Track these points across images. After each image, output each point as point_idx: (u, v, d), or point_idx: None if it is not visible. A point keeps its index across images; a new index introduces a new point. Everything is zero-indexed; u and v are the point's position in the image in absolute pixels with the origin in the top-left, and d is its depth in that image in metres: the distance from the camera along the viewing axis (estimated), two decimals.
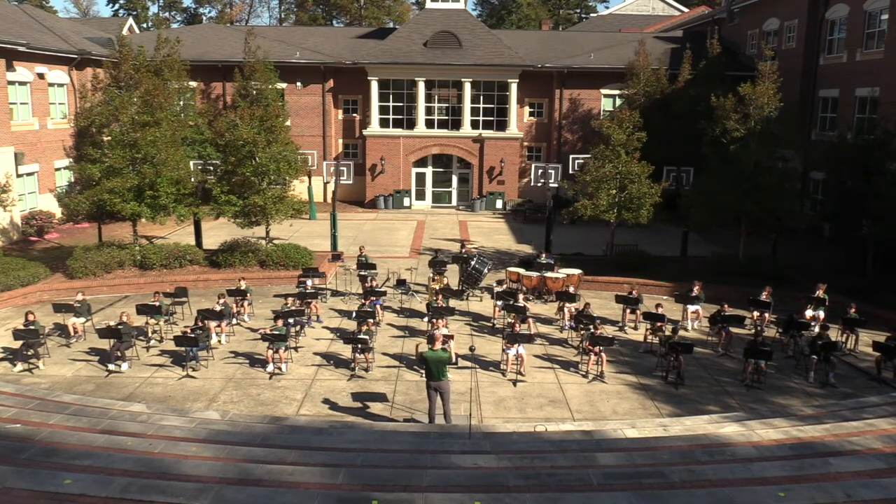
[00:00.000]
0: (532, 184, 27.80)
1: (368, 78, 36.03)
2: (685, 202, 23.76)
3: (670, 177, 25.17)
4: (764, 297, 18.54)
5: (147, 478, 7.15)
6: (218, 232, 27.94)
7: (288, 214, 23.39)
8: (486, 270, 21.15)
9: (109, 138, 22.73)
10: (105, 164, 21.92)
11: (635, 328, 18.97)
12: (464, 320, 19.38)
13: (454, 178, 38.11)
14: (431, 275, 20.60)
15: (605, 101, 37.81)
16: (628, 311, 19.05)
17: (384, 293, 19.44)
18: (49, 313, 18.38)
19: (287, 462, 8.48)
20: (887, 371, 15.43)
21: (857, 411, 12.88)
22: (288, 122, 31.13)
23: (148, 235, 27.52)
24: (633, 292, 19.09)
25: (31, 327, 15.74)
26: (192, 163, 24.37)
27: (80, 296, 18.05)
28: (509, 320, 16.92)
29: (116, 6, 72.45)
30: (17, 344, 15.59)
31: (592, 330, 16.05)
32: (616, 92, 37.00)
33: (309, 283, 20.05)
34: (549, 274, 21.24)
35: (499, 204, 36.70)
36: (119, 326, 15.84)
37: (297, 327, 17.46)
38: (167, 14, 77.60)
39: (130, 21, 45.87)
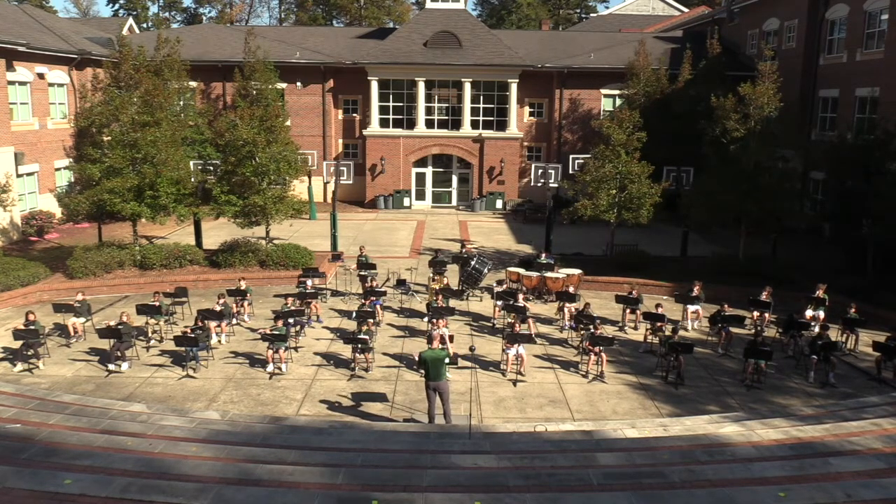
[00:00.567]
0: (532, 184, 27.80)
1: (368, 78, 36.03)
2: (685, 202, 23.76)
3: (670, 177, 25.17)
4: (764, 297, 18.54)
5: (147, 478, 7.15)
6: (218, 232, 27.94)
7: (288, 214, 23.39)
8: (486, 270, 21.15)
9: (109, 138, 22.73)
10: (105, 164, 21.93)
11: (635, 328, 18.97)
12: (464, 320, 19.38)
13: (454, 178, 38.11)
14: (431, 275, 20.60)
15: (605, 101, 37.81)
16: (628, 311, 19.05)
17: (384, 293, 19.43)
18: (49, 313, 18.38)
19: (287, 462, 8.48)
20: (887, 371, 15.42)
21: (857, 411, 12.88)
22: (288, 122, 31.11)
23: (148, 235, 27.52)
24: (633, 292, 19.09)
25: (31, 327, 15.74)
26: (192, 163, 24.37)
27: (80, 296, 18.04)
28: (509, 320, 16.92)
29: (116, 6, 72.50)
30: (17, 344, 15.59)
31: (592, 330, 16.05)
32: (616, 92, 37.00)
33: (309, 283, 20.05)
34: (549, 274, 21.24)
35: (499, 204, 36.70)
36: (119, 326, 15.84)
37: (297, 327, 17.46)
38: (167, 14, 77.62)
39: (130, 21, 45.87)
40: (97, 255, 21.94)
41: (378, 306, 18.46)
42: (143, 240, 25.46)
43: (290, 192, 24.09)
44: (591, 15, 70.94)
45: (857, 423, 11.32)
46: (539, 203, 33.94)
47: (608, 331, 17.36)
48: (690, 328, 18.84)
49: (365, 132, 36.74)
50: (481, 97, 36.94)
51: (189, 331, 15.68)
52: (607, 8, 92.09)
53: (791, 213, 22.50)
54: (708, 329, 18.26)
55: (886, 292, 19.56)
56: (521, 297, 18.16)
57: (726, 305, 17.66)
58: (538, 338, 17.74)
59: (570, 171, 26.06)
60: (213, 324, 17.14)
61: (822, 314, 18.23)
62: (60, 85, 31.23)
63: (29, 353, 15.70)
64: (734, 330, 17.40)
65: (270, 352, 15.49)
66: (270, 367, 15.51)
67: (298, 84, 37.51)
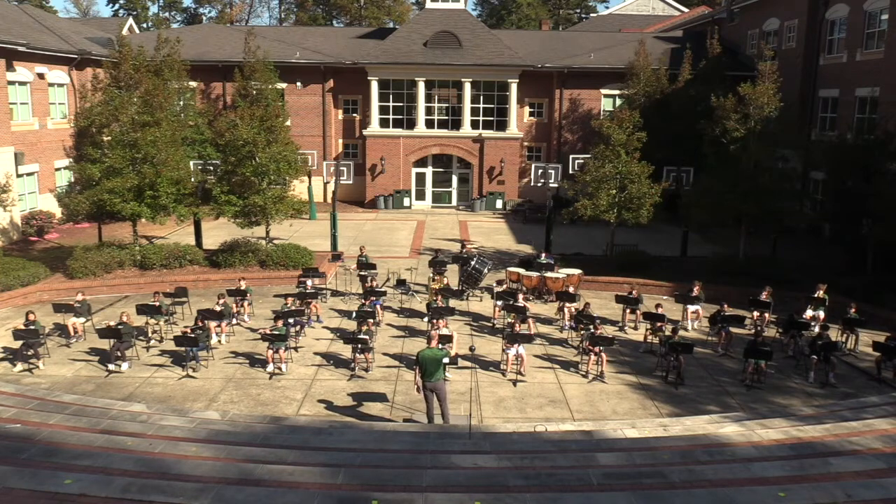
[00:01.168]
0: (532, 184, 27.80)
1: (368, 78, 36.03)
2: (685, 202, 23.75)
3: (670, 177, 25.16)
4: (764, 297, 18.54)
5: (147, 478, 7.15)
6: (218, 232, 27.94)
7: (288, 214, 23.40)
8: (486, 270, 21.15)
9: (109, 138, 22.74)
10: (105, 164, 21.94)
11: (635, 328, 18.97)
12: (464, 320, 19.38)
13: (454, 178, 38.11)
14: (431, 275, 20.59)
15: (605, 101, 37.81)
16: (628, 311, 19.05)
17: (384, 293, 19.43)
18: (49, 313, 18.38)
19: (287, 462, 8.48)
20: (887, 371, 15.42)
21: (857, 411, 12.88)
22: (288, 122, 31.14)
23: (148, 235, 27.53)
24: (633, 292, 19.09)
25: (31, 327, 15.74)
26: (192, 163, 24.38)
27: (80, 296, 18.04)
28: (509, 320, 16.91)
29: (116, 6, 72.50)
30: (17, 344, 15.59)
31: (592, 330, 16.04)
32: (616, 92, 37.01)
33: (309, 283, 20.04)
34: (549, 274, 21.24)
35: (499, 204, 36.70)
36: (119, 326, 15.83)
37: (297, 327, 17.46)
38: (167, 14, 77.63)
39: (130, 21, 45.85)
40: (97, 255, 21.93)
41: (378, 306, 18.46)
42: (143, 240, 25.47)
43: (290, 192, 24.09)
44: (591, 15, 70.97)
45: (857, 423, 11.32)
46: (539, 203, 33.93)
47: (608, 331, 17.36)
48: (690, 328, 18.84)
49: (365, 132, 36.74)
50: (481, 97, 36.94)
51: (189, 331, 15.68)
52: (607, 8, 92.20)
53: (791, 213, 22.49)
54: (708, 329, 18.25)
55: (886, 292, 19.55)
56: (521, 297, 18.16)
57: (726, 305, 17.66)
58: (538, 338, 17.74)
59: (570, 171, 26.06)
60: (213, 324, 17.14)
61: (822, 314, 18.22)
62: (60, 85, 31.23)
63: (29, 353, 15.70)
64: (734, 330, 17.40)
65: (270, 352, 15.49)
66: (270, 367, 15.51)
67: (298, 84, 37.51)
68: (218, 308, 17.42)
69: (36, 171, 29.33)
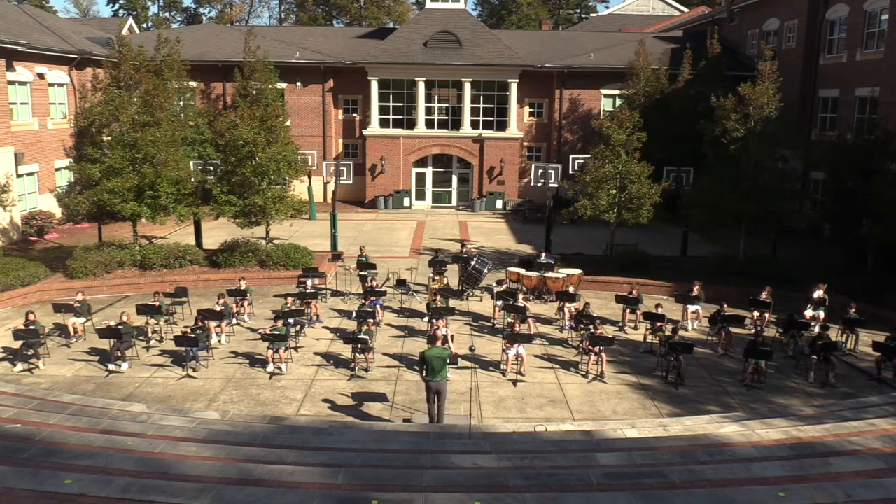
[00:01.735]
0: (532, 184, 27.79)
1: (368, 78, 36.03)
2: (685, 202, 23.74)
3: (670, 177, 25.17)
4: (764, 297, 18.54)
5: (147, 478, 7.15)
6: (218, 232, 27.94)
7: (288, 214, 23.40)
8: (486, 270, 21.15)
9: (109, 138, 22.73)
10: (105, 164, 21.93)
11: (635, 328, 18.97)
12: (464, 320, 19.38)
13: (454, 178, 38.11)
14: (431, 275, 20.59)
15: (605, 101, 37.81)
16: (628, 311, 19.05)
17: (384, 293, 19.43)
18: (49, 313, 18.38)
19: (287, 462, 8.48)
20: (887, 371, 15.42)
21: (857, 411, 12.88)
22: (288, 122, 31.14)
23: (148, 235, 27.53)
24: (633, 292, 19.09)
25: (31, 327, 15.74)
26: (192, 163, 24.37)
27: (80, 296, 18.04)
28: (509, 320, 16.92)
29: (116, 6, 72.50)
30: (17, 344, 15.59)
31: (592, 330, 16.05)
32: (616, 92, 37.01)
33: (309, 283, 20.05)
34: (549, 274, 21.24)
35: (499, 204, 36.70)
36: (119, 326, 15.83)
37: (297, 327, 17.46)
38: (167, 14, 77.63)
39: (130, 21, 45.85)
40: (97, 255, 21.93)
41: (378, 306, 18.46)
42: (143, 240, 25.47)
43: (290, 192, 24.09)
44: (591, 15, 70.95)
45: (857, 423, 11.32)
46: (539, 203, 33.94)
47: (608, 331, 17.36)
48: (690, 328, 18.84)
49: (365, 132, 36.74)
50: (481, 97, 36.93)
51: (189, 331, 15.68)
52: (607, 8, 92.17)
53: (791, 213, 22.49)
54: (708, 329, 18.25)
55: (886, 292, 19.56)
56: (521, 297, 18.17)
57: (726, 305, 17.66)
58: (538, 338, 17.74)
59: (570, 171, 26.06)
60: (213, 324, 17.14)
61: (822, 314, 18.23)
62: (60, 85, 31.23)
63: (29, 353, 15.70)
64: (734, 330, 17.40)
65: (270, 352, 15.49)
66: (270, 367, 15.51)
67: (298, 84, 37.51)
68: (218, 308, 17.42)
69: (36, 171, 29.33)
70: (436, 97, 37.89)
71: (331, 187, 32.58)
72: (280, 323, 16.47)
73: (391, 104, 36.94)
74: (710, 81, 30.20)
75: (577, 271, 21.68)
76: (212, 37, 39.95)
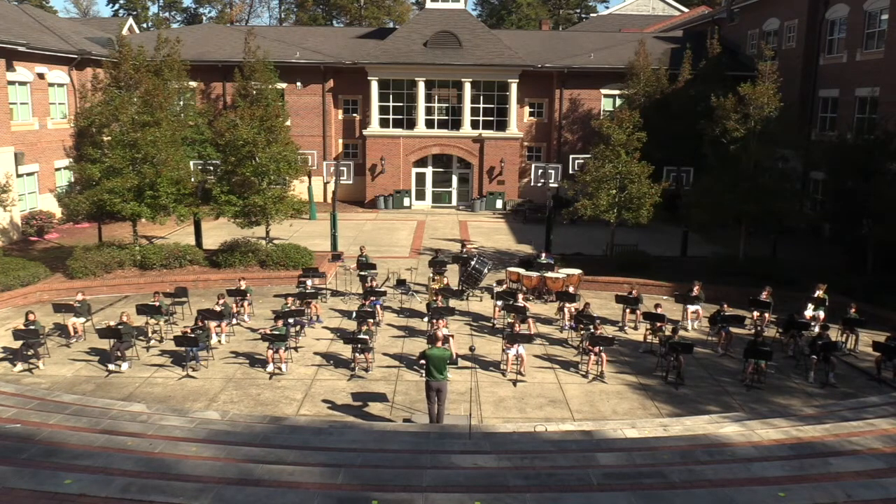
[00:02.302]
0: (532, 184, 27.79)
1: (368, 78, 36.03)
2: (685, 202, 23.73)
3: (670, 177, 25.16)
4: (764, 297, 18.54)
5: (147, 478, 7.15)
6: (218, 232, 27.94)
7: (288, 214, 23.40)
8: (486, 270, 21.15)
9: (109, 138, 22.74)
10: (105, 164, 21.94)
11: (635, 328, 18.97)
12: (464, 320, 19.38)
13: (454, 178, 38.11)
14: (431, 275, 20.59)
15: (605, 101, 37.81)
16: (628, 311, 19.05)
17: (384, 293, 19.43)
18: (49, 313, 18.38)
19: (287, 462, 8.48)
20: (887, 371, 15.42)
21: (857, 411, 12.88)
22: (288, 122, 31.15)
23: (148, 235, 27.53)
24: (633, 292, 19.09)
25: (31, 327, 15.73)
26: (192, 163, 24.38)
27: (80, 296, 18.04)
28: (509, 320, 16.91)
29: (116, 6, 72.51)
30: (17, 344, 15.59)
31: (592, 330, 16.04)
32: (616, 92, 37.01)
33: (309, 283, 20.05)
34: (549, 274, 21.24)
35: (499, 204, 36.70)
36: (119, 326, 15.83)
37: (297, 327, 17.46)
38: (167, 14, 77.63)
39: (130, 21, 45.86)
40: (97, 255, 21.93)
41: (378, 306, 18.46)
42: (143, 240, 25.47)
43: (290, 192, 24.09)
44: (591, 15, 70.95)
45: (857, 423, 11.32)
46: (539, 203, 33.94)
47: (608, 331, 17.36)
48: (690, 328, 18.84)
49: (365, 132, 36.74)
50: (481, 97, 36.93)
51: (189, 331, 15.68)
52: (607, 8, 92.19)
53: (791, 213, 22.49)
54: (708, 329, 18.25)
55: (886, 292, 19.56)
56: (521, 297, 18.16)
57: (726, 305, 17.66)
58: (538, 338, 17.74)
59: (570, 171, 26.06)
60: (213, 324, 17.13)
61: (822, 314, 18.23)
62: (60, 85, 31.23)
63: (29, 353, 15.70)
64: (734, 330, 17.40)
65: (270, 352, 15.49)
66: (270, 367, 15.51)
67: (298, 84, 37.51)
68: (218, 308, 17.42)
69: (36, 171, 29.33)
70: (436, 97, 37.89)
71: (331, 187, 32.58)
72: (280, 323, 16.47)
73: (391, 104, 36.94)
74: (710, 81, 30.20)
75: (577, 271, 21.68)
76: (212, 37, 39.95)
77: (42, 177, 29.76)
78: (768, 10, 34.73)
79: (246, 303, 19.22)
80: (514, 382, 15.19)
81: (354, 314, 17.20)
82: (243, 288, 19.22)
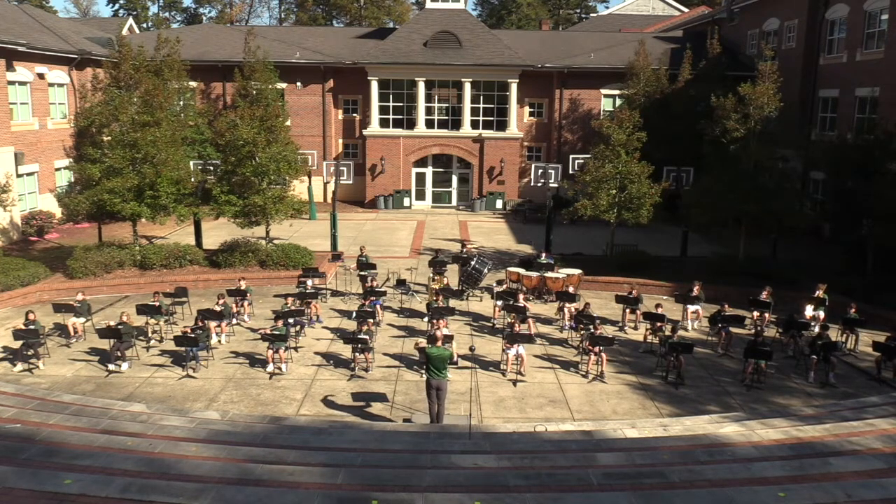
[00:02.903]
0: (532, 184, 27.79)
1: (368, 78, 36.03)
2: (685, 202, 23.73)
3: (670, 177, 25.15)
4: (764, 297, 18.54)
5: (147, 478, 7.15)
6: (218, 232, 27.93)
7: (288, 214, 23.40)
8: (486, 270, 21.15)
9: (109, 138, 22.74)
10: (105, 164, 21.94)
11: (635, 328, 18.97)
12: (464, 320, 19.38)
13: (454, 178, 38.11)
14: (431, 275, 20.59)
15: (605, 101, 37.81)
16: (628, 311, 19.05)
17: (384, 293, 19.43)
18: (49, 313, 18.38)
19: (287, 462, 8.48)
20: (887, 371, 15.43)
21: (857, 411, 12.88)
22: (288, 122, 31.14)
23: (148, 235, 27.53)
24: (633, 292, 19.09)
25: (31, 327, 15.74)
26: (192, 163, 24.38)
27: (80, 296, 18.04)
28: (509, 320, 16.91)
29: (116, 6, 72.51)
30: (17, 344, 15.59)
31: (592, 330, 16.04)
32: (616, 92, 37.00)
33: (309, 283, 20.05)
34: (549, 274, 21.24)
35: (499, 204, 36.70)
36: (119, 326, 15.84)
37: (297, 327, 17.46)
38: (167, 14, 77.62)
39: (130, 21, 45.87)
40: (97, 255, 21.93)
41: (378, 306, 18.46)
42: (143, 240, 25.47)
43: (290, 192, 24.09)
44: (591, 15, 70.96)
45: (857, 423, 11.32)
46: (539, 203, 33.94)
47: (608, 331, 17.35)
48: (690, 328, 18.84)
49: (365, 132, 36.74)
50: (481, 97, 36.93)
51: (189, 331, 15.68)
52: (607, 8, 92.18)
53: (791, 213, 22.47)
54: (708, 329, 18.25)
55: (886, 292, 19.55)
56: (521, 297, 18.16)
57: (726, 305, 17.66)
58: (538, 338, 17.74)
59: (570, 171, 26.06)
60: (213, 324, 17.14)
61: (822, 314, 18.23)
62: (60, 85, 31.23)
63: (29, 353, 15.70)
64: (734, 330, 17.39)
65: (270, 352, 15.49)
66: (270, 367, 15.51)
67: (298, 84, 37.51)
68: (218, 308, 17.42)
69: (36, 171, 29.33)
70: (436, 97, 37.89)
71: (331, 187, 32.58)
72: (280, 323, 16.47)
73: (391, 104, 36.94)
74: (710, 81, 30.19)
75: (577, 271, 21.68)
76: (212, 37, 39.95)
77: (42, 177, 29.76)
78: (768, 10, 34.72)
79: (246, 303, 19.22)
80: (514, 382, 15.19)
81: (354, 314, 17.20)
82: (243, 288, 19.22)
